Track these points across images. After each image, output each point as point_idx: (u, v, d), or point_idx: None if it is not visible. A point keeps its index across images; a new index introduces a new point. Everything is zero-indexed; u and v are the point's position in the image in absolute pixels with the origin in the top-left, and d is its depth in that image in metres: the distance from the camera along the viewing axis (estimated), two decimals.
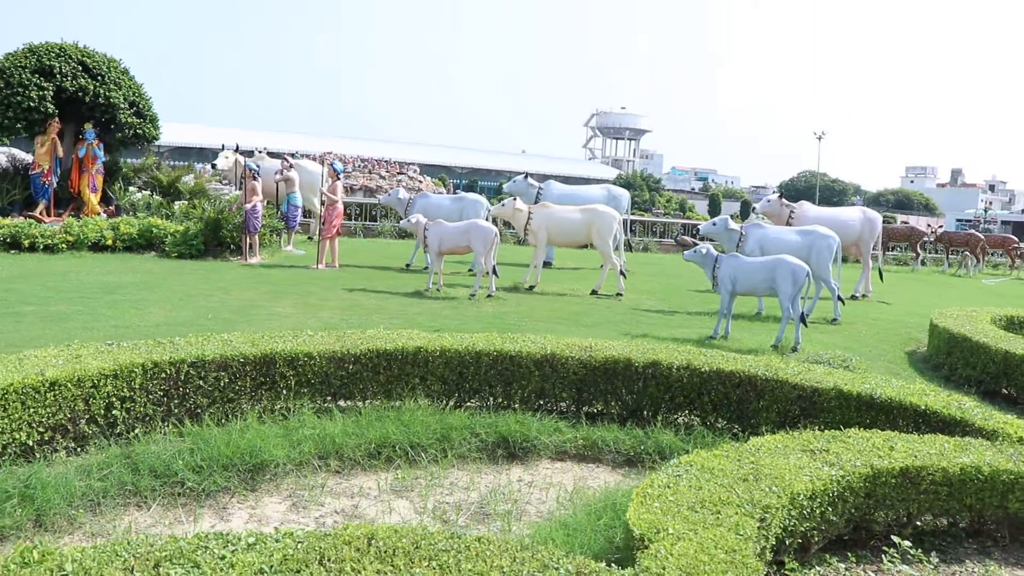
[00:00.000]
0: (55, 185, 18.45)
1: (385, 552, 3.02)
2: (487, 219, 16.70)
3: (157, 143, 23.09)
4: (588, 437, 6.29)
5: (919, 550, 4.49)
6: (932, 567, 4.43)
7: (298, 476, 5.50)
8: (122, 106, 18.98)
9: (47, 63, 18.19)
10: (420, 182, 34.21)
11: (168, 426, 5.78)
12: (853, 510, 4.46)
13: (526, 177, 19.66)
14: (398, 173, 34.74)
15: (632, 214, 34.17)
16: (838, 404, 6.06)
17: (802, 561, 4.31)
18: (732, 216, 45.02)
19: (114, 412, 5.51)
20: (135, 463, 5.18)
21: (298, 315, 10.66)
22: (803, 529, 4.09)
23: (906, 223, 36.02)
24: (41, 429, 5.13)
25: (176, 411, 5.85)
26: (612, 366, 6.72)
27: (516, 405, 6.68)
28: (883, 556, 4.46)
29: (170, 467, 5.17)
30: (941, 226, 35.86)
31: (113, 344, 6.02)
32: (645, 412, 6.74)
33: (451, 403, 6.73)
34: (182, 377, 5.84)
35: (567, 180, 61.00)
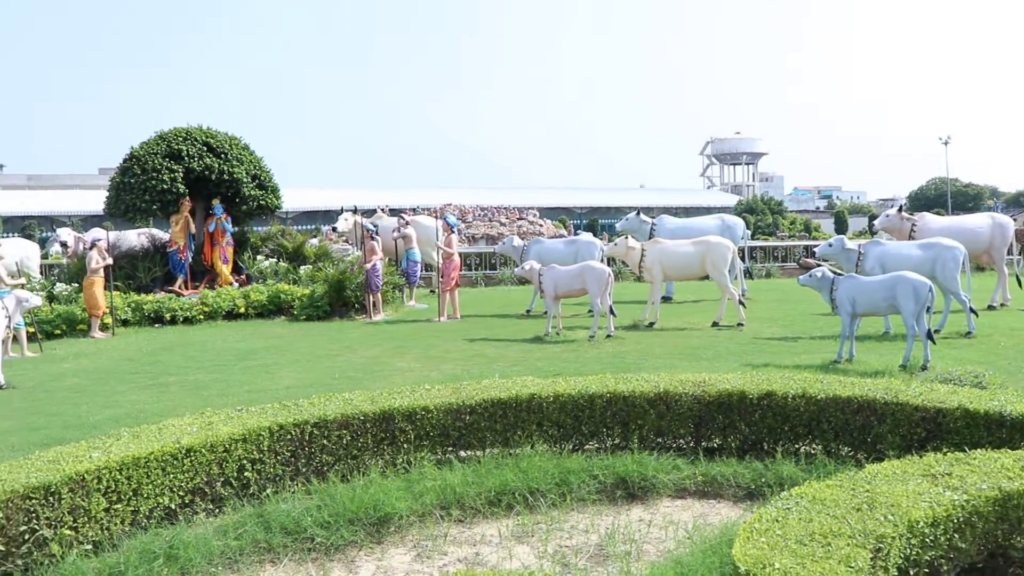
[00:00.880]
0: (190, 260, 19.65)
1: None
2: (601, 260, 16.79)
3: (282, 210, 24.25)
4: (707, 473, 6.21)
5: None
6: None
7: (421, 527, 5.64)
8: (245, 180, 20.06)
9: (176, 147, 19.46)
10: (540, 226, 34.58)
11: (297, 484, 6.05)
12: (984, 536, 4.23)
13: (638, 214, 19.68)
14: (518, 219, 35.23)
15: (754, 239, 33.53)
16: (965, 424, 5.75)
17: None
18: (867, 232, 43.47)
19: (246, 474, 5.82)
20: (267, 521, 5.45)
21: (421, 369, 10.95)
22: (928, 558, 3.92)
23: None
24: (181, 493, 5.49)
25: (303, 470, 6.11)
26: (726, 400, 6.61)
27: (634, 445, 6.65)
28: None
29: (300, 524, 5.41)
30: None
31: (242, 409, 6.38)
32: (764, 444, 6.59)
33: (569, 447, 6.77)
34: (307, 437, 6.11)
35: (687, 211, 60.73)
